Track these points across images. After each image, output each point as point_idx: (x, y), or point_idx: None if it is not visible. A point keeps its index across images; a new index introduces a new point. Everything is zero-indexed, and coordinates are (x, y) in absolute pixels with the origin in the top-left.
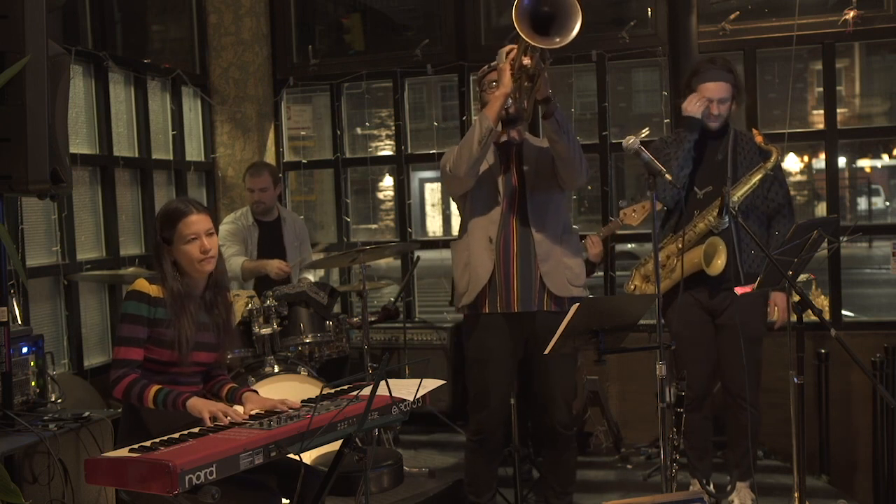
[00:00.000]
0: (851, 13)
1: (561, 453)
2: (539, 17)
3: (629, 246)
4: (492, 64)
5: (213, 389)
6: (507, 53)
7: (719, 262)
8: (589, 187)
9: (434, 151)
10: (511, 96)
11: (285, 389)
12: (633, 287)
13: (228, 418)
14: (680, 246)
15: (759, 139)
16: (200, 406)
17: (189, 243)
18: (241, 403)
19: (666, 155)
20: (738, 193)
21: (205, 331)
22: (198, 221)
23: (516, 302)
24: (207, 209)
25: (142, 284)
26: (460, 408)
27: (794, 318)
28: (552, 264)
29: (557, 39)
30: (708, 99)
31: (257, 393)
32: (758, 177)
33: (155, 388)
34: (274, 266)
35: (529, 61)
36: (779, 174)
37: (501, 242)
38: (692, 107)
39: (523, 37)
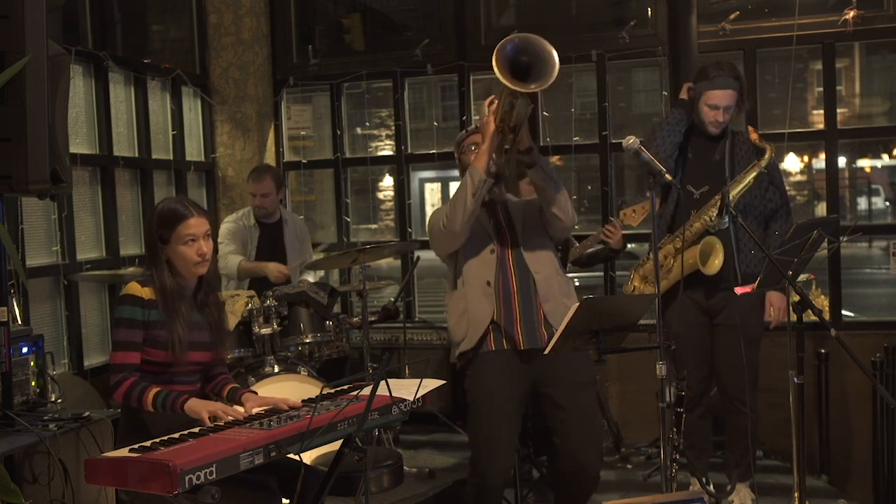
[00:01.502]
0: (851, 13)
1: (584, 495)
2: (518, 65)
3: (629, 246)
4: (469, 129)
5: (215, 389)
6: (489, 105)
7: (716, 262)
8: (589, 187)
9: (434, 151)
10: (493, 153)
11: (285, 389)
12: (632, 288)
13: (229, 417)
14: (678, 246)
15: (754, 137)
16: (199, 407)
17: (187, 245)
18: (240, 404)
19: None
20: (734, 192)
21: (198, 330)
22: (197, 224)
23: (521, 341)
24: (206, 211)
25: (134, 288)
26: (460, 408)
27: (793, 317)
28: (553, 304)
29: (533, 86)
30: (713, 106)
31: (256, 394)
32: (752, 174)
33: (154, 390)
34: (272, 270)
35: (510, 108)
36: (776, 175)
37: (500, 285)
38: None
39: (501, 79)
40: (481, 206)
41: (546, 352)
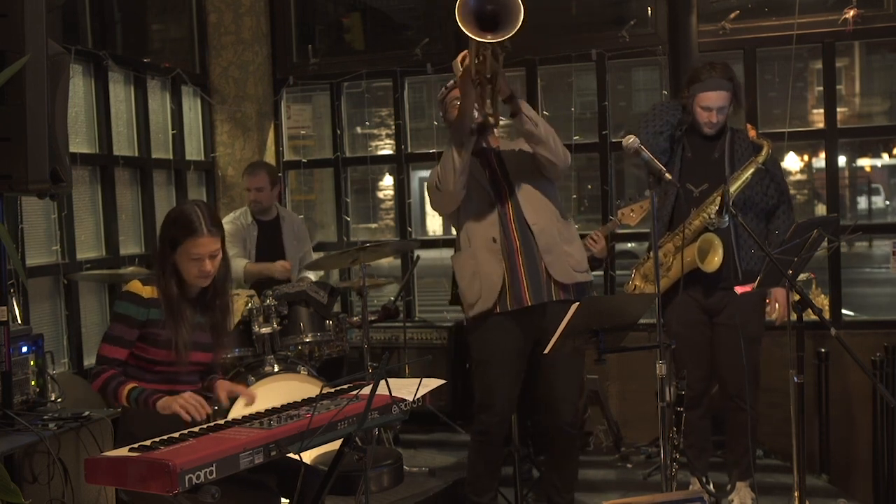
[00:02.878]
0: (851, 12)
1: (565, 452)
2: (484, 16)
3: (629, 245)
4: (448, 84)
5: (204, 386)
6: (462, 62)
7: (716, 260)
8: (589, 186)
9: (434, 151)
10: (475, 105)
11: (285, 389)
12: (633, 287)
13: (193, 406)
14: (678, 244)
15: (752, 134)
16: (169, 402)
17: (191, 262)
18: (209, 391)
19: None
20: (732, 188)
21: (200, 331)
22: (206, 244)
23: (528, 297)
24: (220, 228)
25: (135, 286)
26: (460, 407)
27: (794, 317)
28: (555, 254)
29: (489, 36)
30: (706, 108)
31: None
32: (750, 171)
33: (129, 386)
34: (278, 268)
35: (482, 61)
36: (776, 171)
37: (504, 241)
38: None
39: (466, 32)
40: (475, 158)
41: (546, 352)
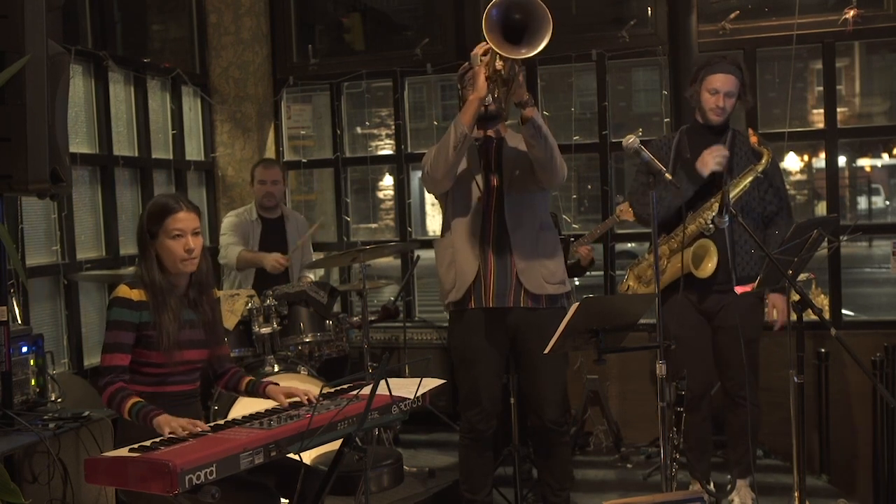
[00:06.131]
0: (851, 12)
1: (554, 451)
2: (511, 24)
3: (629, 245)
4: (472, 60)
5: (229, 385)
6: (482, 56)
7: (710, 266)
8: (589, 186)
9: None
10: (490, 95)
11: None
12: (626, 287)
13: (187, 432)
14: (673, 247)
15: (753, 140)
16: (163, 423)
17: (174, 239)
18: (263, 396)
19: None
20: (731, 195)
21: (192, 328)
22: (185, 219)
23: (492, 299)
24: (197, 209)
25: (123, 290)
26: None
27: (794, 317)
28: (528, 263)
29: (524, 50)
30: (714, 91)
31: (277, 385)
32: (749, 178)
33: (132, 401)
34: (270, 259)
35: (502, 65)
36: (776, 178)
37: (481, 239)
38: (708, 161)
39: (491, 45)
40: (476, 143)
41: (546, 352)
